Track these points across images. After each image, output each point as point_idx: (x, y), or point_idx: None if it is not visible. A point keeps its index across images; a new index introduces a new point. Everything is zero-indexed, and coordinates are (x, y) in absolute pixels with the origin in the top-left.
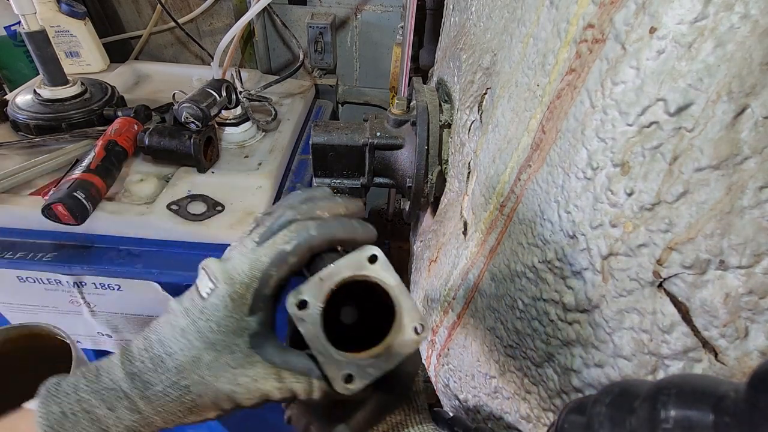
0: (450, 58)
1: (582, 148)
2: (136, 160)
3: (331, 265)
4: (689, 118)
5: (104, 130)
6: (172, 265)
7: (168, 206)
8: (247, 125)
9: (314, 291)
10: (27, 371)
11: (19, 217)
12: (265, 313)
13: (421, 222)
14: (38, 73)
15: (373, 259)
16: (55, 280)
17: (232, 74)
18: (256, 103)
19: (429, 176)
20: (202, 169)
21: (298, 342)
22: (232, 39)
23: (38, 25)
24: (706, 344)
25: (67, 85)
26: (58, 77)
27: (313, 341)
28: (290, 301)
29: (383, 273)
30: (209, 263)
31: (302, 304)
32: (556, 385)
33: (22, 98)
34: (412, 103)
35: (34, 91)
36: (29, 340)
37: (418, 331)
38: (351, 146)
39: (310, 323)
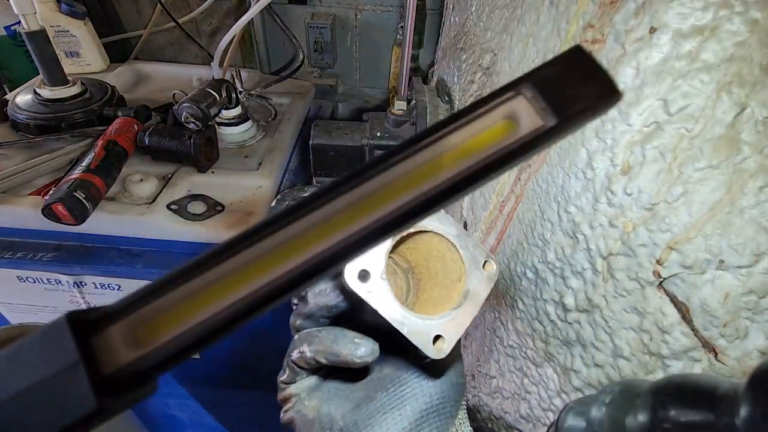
0: (450, 58)
1: (582, 148)
2: (136, 160)
3: None
4: (689, 118)
5: (104, 130)
6: (172, 265)
7: (168, 206)
8: (247, 125)
9: (371, 256)
10: None
11: (19, 217)
12: None
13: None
14: (38, 73)
15: None
16: (55, 280)
17: (232, 74)
18: (256, 103)
19: None
20: (202, 169)
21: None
22: (232, 39)
23: (38, 25)
24: (706, 344)
25: (67, 85)
26: (58, 77)
27: (387, 311)
28: (349, 277)
29: (434, 221)
30: None
31: (363, 275)
32: (556, 385)
33: (22, 98)
34: (412, 103)
35: (34, 91)
36: None
37: (489, 266)
38: (351, 146)
39: (378, 293)
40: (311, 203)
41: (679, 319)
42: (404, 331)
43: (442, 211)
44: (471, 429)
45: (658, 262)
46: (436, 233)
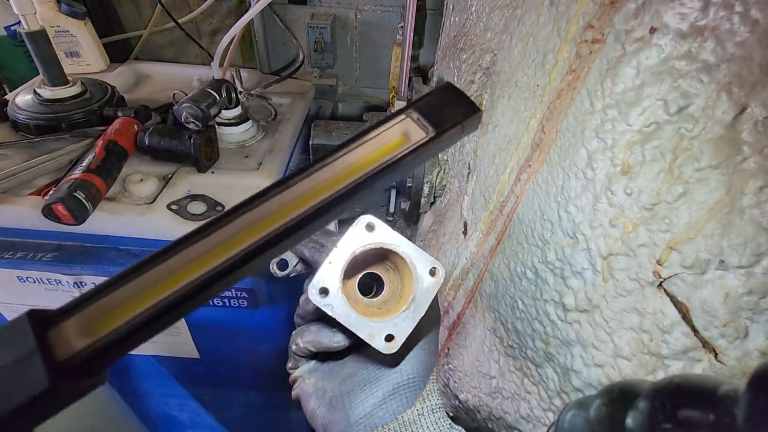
0: (450, 58)
1: (582, 148)
2: (136, 160)
3: (335, 247)
4: (689, 118)
5: (104, 130)
6: None
7: (168, 206)
8: (247, 125)
9: (329, 275)
10: None
11: (19, 217)
12: None
13: (421, 222)
14: (38, 73)
15: (370, 227)
16: (55, 280)
17: (232, 74)
18: (256, 103)
19: (428, 176)
20: (202, 169)
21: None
22: (232, 39)
23: (38, 25)
24: (706, 344)
25: (67, 85)
26: (58, 77)
27: (345, 319)
28: (312, 293)
29: (384, 237)
30: None
31: (324, 291)
32: (556, 385)
33: (22, 98)
34: None
35: (34, 91)
36: None
37: (434, 273)
38: None
39: (336, 305)
40: (243, 207)
41: (679, 319)
42: (360, 334)
43: (390, 230)
44: (438, 400)
45: (658, 262)
46: (385, 247)
